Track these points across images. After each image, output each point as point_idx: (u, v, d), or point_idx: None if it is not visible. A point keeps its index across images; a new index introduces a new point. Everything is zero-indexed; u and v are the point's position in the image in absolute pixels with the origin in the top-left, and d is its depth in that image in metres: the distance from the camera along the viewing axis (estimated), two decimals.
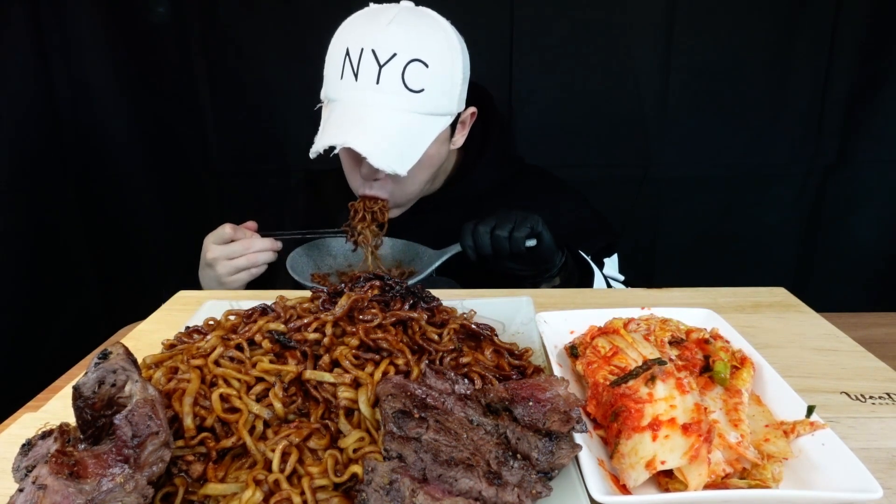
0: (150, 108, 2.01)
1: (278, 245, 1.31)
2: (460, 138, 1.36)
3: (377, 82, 1.15)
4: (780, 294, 1.12)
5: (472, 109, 1.34)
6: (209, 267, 1.28)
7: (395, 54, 1.14)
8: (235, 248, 1.26)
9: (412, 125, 1.19)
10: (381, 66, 1.15)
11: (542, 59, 1.96)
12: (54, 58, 1.89)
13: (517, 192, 1.45)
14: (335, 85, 1.20)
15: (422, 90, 1.17)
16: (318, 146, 1.17)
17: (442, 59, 1.19)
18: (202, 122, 2.03)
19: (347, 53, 1.17)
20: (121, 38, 1.92)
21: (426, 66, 1.16)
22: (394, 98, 1.16)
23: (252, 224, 1.33)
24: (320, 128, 1.23)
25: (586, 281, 1.30)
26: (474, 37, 1.29)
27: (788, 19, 1.90)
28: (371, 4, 1.26)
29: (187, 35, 1.95)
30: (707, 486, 0.60)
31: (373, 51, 1.15)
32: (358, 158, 1.20)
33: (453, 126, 1.30)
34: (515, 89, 1.97)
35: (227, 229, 1.28)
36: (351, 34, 1.20)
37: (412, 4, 1.25)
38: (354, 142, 1.14)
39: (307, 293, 0.88)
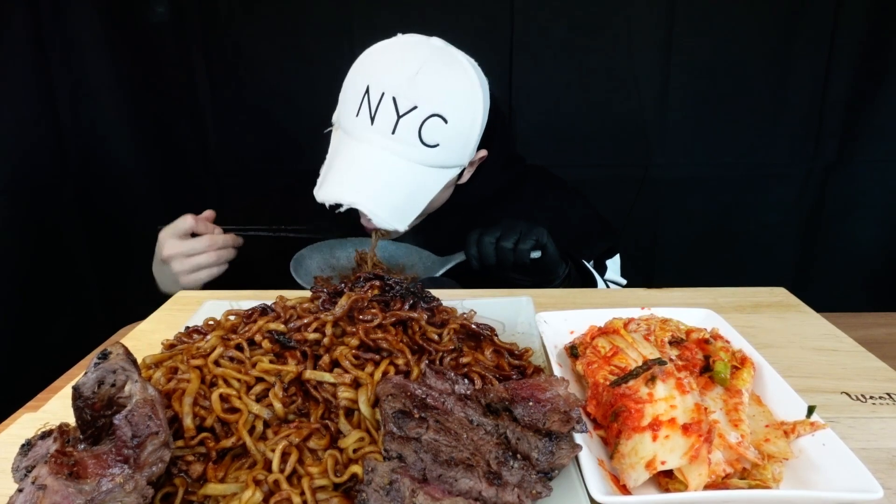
0: (150, 108, 2.01)
1: (240, 241, 1.27)
2: (466, 175, 1.33)
3: (393, 132, 1.13)
4: (780, 294, 1.12)
5: (483, 153, 1.30)
6: (164, 263, 1.22)
7: (415, 107, 1.12)
8: (196, 244, 1.21)
9: (420, 178, 1.17)
10: (399, 117, 1.12)
11: (542, 59, 1.96)
12: (54, 58, 1.89)
13: (521, 195, 1.45)
14: (350, 120, 1.17)
15: (437, 145, 1.15)
16: (324, 197, 1.15)
17: (462, 116, 1.16)
18: (202, 122, 2.03)
19: (367, 92, 1.14)
20: (121, 38, 1.92)
21: (445, 121, 1.14)
22: (407, 149, 1.14)
23: (210, 213, 1.27)
24: (327, 161, 1.21)
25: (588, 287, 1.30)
26: (474, 36, 1.29)
27: (788, 19, 1.90)
28: (399, 35, 1.22)
29: (187, 35, 1.95)
30: (707, 487, 0.60)
31: (393, 98, 1.12)
32: None
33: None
34: (515, 89, 1.97)
35: (187, 221, 1.22)
36: (374, 72, 1.16)
37: (443, 44, 1.21)
38: (360, 201, 1.12)
39: (307, 293, 0.88)
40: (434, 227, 1.36)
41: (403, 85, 1.12)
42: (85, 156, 2.00)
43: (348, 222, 1.29)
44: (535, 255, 1.15)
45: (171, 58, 1.97)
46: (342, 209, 1.15)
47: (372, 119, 1.14)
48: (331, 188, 1.16)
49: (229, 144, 2.06)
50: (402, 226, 1.16)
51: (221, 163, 2.08)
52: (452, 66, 1.18)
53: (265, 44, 1.96)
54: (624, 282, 1.45)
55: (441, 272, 1.24)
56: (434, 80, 1.14)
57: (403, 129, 1.13)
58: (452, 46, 1.23)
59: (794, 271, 2.18)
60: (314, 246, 1.31)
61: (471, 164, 1.29)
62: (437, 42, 1.21)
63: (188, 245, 1.21)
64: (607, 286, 1.36)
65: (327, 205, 1.15)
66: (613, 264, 1.46)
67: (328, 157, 1.22)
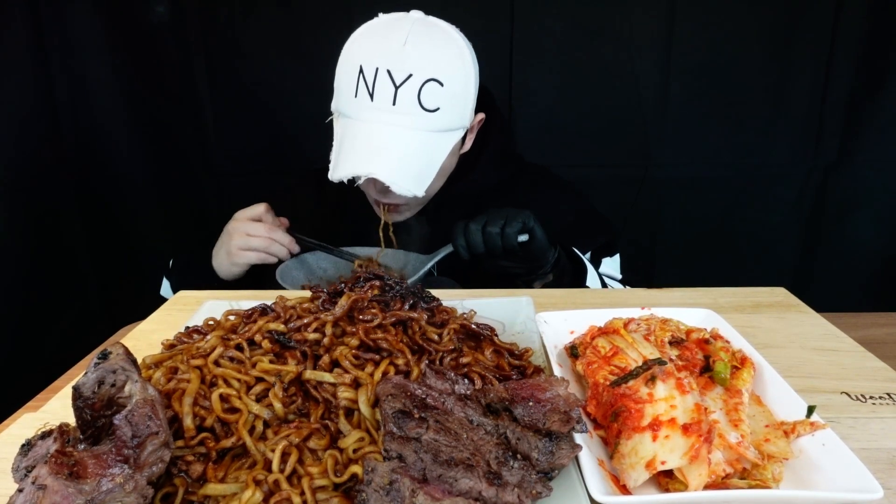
0: (150, 108, 2.01)
1: (296, 248, 1.33)
2: (469, 143, 1.36)
3: (393, 103, 1.15)
4: (781, 294, 1.12)
5: (481, 116, 1.34)
6: (227, 234, 1.30)
7: (410, 75, 1.14)
8: (258, 227, 1.29)
9: (428, 145, 1.20)
10: (397, 88, 1.15)
11: (542, 59, 1.96)
12: (54, 58, 1.89)
13: (516, 190, 1.46)
14: (349, 102, 1.20)
15: (437, 109, 1.17)
16: (341, 174, 1.18)
17: (456, 77, 1.19)
18: (202, 122, 2.03)
19: (361, 71, 1.17)
20: (121, 38, 1.92)
21: (441, 84, 1.16)
22: (410, 118, 1.17)
23: (285, 220, 1.35)
24: (336, 147, 1.23)
25: (579, 277, 1.30)
26: (474, 36, 1.29)
27: (789, 19, 1.91)
28: (381, 15, 1.24)
29: (187, 35, 1.95)
30: (707, 487, 0.60)
31: (388, 71, 1.14)
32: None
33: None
34: (515, 89, 1.97)
35: (261, 208, 1.31)
36: (364, 51, 1.19)
37: (422, 15, 1.25)
38: (377, 171, 1.15)
39: (307, 293, 0.88)
40: (431, 222, 1.37)
41: (395, 56, 1.15)
42: (85, 156, 2.00)
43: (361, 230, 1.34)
44: (523, 238, 1.16)
45: (171, 58, 1.97)
46: (360, 182, 1.19)
47: (371, 95, 1.16)
48: (346, 165, 1.18)
49: (229, 144, 2.06)
50: (419, 191, 1.19)
51: (221, 162, 2.08)
52: (436, 32, 1.21)
53: (265, 44, 1.96)
54: (620, 276, 1.45)
55: (429, 266, 1.24)
56: (423, 46, 1.17)
57: (403, 99, 1.15)
58: (430, 16, 1.26)
59: (794, 271, 2.18)
60: (300, 258, 1.34)
61: (471, 129, 1.32)
62: (415, 14, 1.24)
63: (251, 225, 1.30)
64: (600, 277, 1.36)
65: (345, 180, 1.18)
66: (613, 263, 1.46)
67: (335, 143, 1.25)
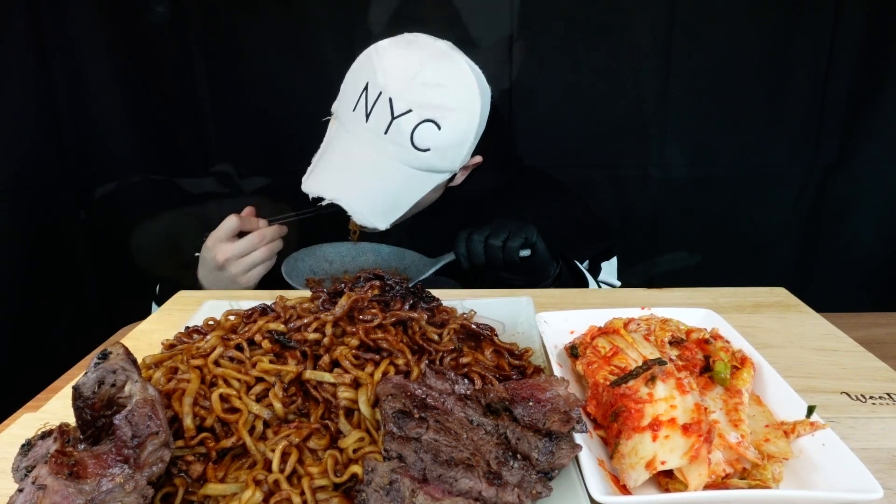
0: (150, 108, 2.01)
1: (284, 230, 1.28)
2: (459, 178, 1.32)
3: (385, 132, 1.13)
4: (781, 294, 1.12)
5: (478, 159, 1.30)
6: (220, 269, 1.21)
7: (409, 110, 1.12)
8: (247, 243, 1.21)
9: (410, 181, 1.18)
10: (393, 118, 1.13)
11: (542, 59, 1.95)
12: (54, 58, 1.88)
13: (516, 194, 1.45)
14: (347, 113, 1.19)
15: (428, 150, 1.15)
16: (311, 188, 1.15)
17: (457, 124, 1.16)
18: (202, 122, 2.03)
19: (366, 89, 1.15)
20: (121, 38, 1.92)
21: (438, 128, 1.14)
22: (398, 150, 1.15)
23: (252, 210, 1.28)
24: (321, 150, 1.22)
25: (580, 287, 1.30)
26: (475, 37, 1.29)
27: (788, 19, 1.90)
28: (405, 35, 1.22)
29: (187, 35, 1.94)
30: (707, 487, 0.60)
31: (390, 99, 1.12)
32: None
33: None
34: (515, 89, 1.97)
35: (233, 221, 1.21)
36: (376, 70, 1.16)
37: (448, 47, 1.20)
38: (344, 199, 1.13)
39: (307, 293, 0.88)
40: (427, 227, 1.37)
41: (401, 87, 1.13)
42: (85, 156, 2.00)
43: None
44: (525, 253, 1.15)
45: (171, 58, 1.97)
46: (324, 203, 1.15)
47: (367, 116, 1.14)
48: (316, 181, 1.16)
49: (229, 144, 2.06)
50: (382, 225, 1.17)
51: (221, 163, 2.08)
52: (453, 72, 1.17)
53: (265, 44, 1.96)
54: (618, 284, 1.45)
55: (430, 272, 1.24)
56: (432, 87, 1.14)
57: (395, 131, 1.13)
58: (458, 51, 1.22)
59: (794, 271, 2.17)
60: (307, 249, 1.32)
61: (464, 168, 1.29)
62: (442, 45, 1.20)
63: (240, 246, 1.20)
64: (599, 287, 1.36)
65: (310, 197, 1.15)
66: (609, 266, 1.46)
67: (322, 145, 1.23)
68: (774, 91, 1.97)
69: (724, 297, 1.10)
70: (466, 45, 1.26)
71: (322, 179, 1.16)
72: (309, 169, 1.20)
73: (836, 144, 2.01)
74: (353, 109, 1.16)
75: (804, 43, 1.91)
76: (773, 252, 2.15)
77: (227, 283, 1.23)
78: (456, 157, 1.20)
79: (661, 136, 2.02)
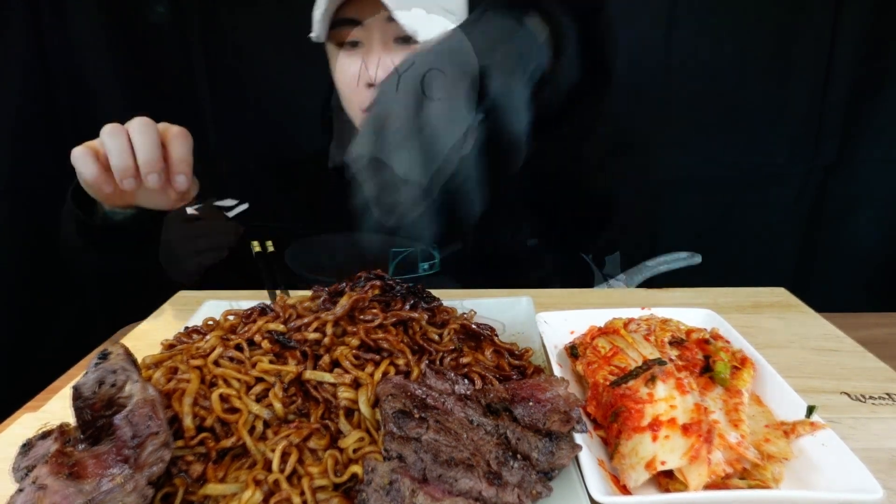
0: (150, 108, 2.00)
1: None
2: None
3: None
4: (781, 294, 1.12)
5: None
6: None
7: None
8: (197, 228, 1.22)
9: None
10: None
11: None
12: (54, 58, 1.88)
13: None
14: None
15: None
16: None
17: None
18: (202, 121, 2.03)
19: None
20: (121, 38, 1.92)
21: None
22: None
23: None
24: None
25: (588, 283, 1.30)
26: None
27: (789, 19, 1.90)
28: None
29: (187, 35, 1.94)
30: (707, 487, 0.60)
31: None
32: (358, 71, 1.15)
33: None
34: None
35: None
36: None
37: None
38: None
39: (307, 293, 0.88)
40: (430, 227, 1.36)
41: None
42: None
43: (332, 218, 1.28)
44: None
45: (171, 58, 1.97)
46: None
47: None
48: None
49: (229, 144, 2.06)
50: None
51: (221, 163, 2.08)
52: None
53: (265, 44, 1.96)
54: (623, 276, 1.45)
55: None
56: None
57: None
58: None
59: (794, 271, 2.17)
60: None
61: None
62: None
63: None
64: (605, 278, 1.36)
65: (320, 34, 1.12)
66: (614, 260, 1.46)
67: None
68: (774, 91, 1.97)
69: (724, 297, 1.10)
70: None
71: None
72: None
73: (836, 144, 2.01)
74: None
75: (804, 43, 1.91)
76: (773, 252, 2.15)
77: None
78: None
79: (662, 136, 2.02)
